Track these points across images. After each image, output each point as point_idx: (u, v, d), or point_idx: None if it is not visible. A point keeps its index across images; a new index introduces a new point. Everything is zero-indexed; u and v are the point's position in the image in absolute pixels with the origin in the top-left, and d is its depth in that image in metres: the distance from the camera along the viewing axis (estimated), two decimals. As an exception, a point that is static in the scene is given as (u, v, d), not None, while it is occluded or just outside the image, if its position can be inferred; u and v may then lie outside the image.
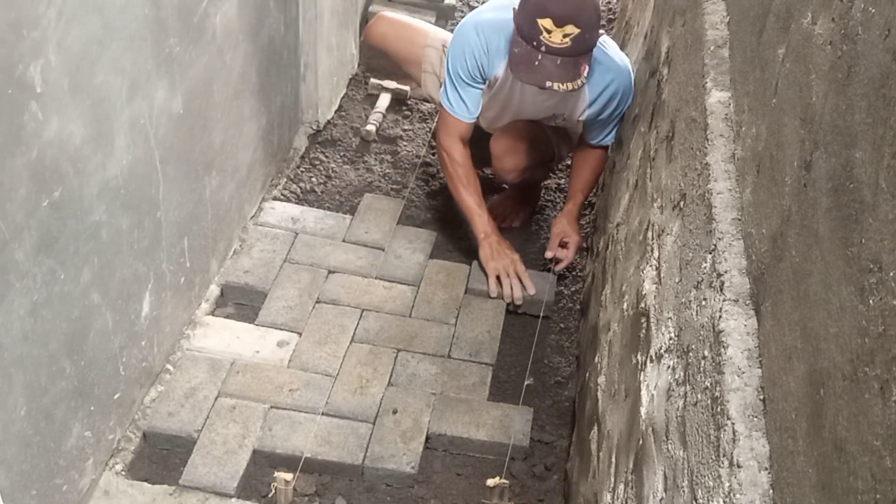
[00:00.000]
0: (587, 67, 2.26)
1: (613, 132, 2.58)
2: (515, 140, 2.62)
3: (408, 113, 3.30)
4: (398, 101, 3.31)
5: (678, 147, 1.60)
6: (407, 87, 3.29)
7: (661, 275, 1.52)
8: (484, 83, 2.50)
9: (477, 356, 2.38)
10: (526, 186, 2.92)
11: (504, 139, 2.64)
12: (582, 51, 2.24)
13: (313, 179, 2.93)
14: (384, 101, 3.27)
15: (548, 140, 2.71)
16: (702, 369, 1.11)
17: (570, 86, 2.25)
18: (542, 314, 2.53)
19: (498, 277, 2.55)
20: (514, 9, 2.29)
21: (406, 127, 3.23)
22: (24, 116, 1.43)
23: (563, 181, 3.11)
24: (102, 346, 1.84)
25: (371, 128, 3.12)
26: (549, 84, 2.24)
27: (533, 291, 2.54)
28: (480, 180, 2.66)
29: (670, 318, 1.37)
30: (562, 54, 2.21)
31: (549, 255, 2.62)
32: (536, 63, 2.23)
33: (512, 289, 2.53)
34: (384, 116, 3.22)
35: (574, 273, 2.74)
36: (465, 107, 2.51)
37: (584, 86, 2.37)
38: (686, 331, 1.24)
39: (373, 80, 3.33)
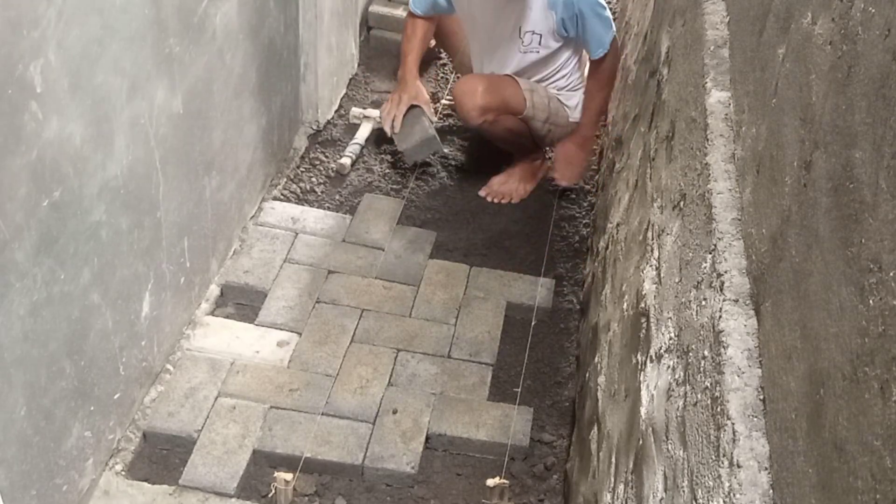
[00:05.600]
0: None
1: (593, 39, 2.75)
2: (475, 81, 2.83)
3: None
4: (380, 131, 3.04)
5: (678, 147, 1.61)
6: None
7: (661, 275, 1.52)
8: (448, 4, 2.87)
9: (477, 356, 2.38)
10: (527, 162, 2.99)
11: (463, 83, 2.87)
12: None
13: (313, 179, 2.93)
14: (364, 131, 3.09)
15: (516, 88, 2.82)
16: (702, 369, 1.11)
17: None
18: (534, 320, 2.53)
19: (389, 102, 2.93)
20: None
21: (406, 127, 3.23)
22: (24, 116, 1.43)
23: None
24: (102, 346, 1.84)
25: (346, 161, 2.95)
26: None
27: (387, 127, 2.92)
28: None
29: (670, 318, 1.37)
30: None
31: (551, 174, 2.94)
32: None
33: (388, 116, 2.92)
34: (363, 148, 3.05)
35: (589, 186, 2.94)
36: (421, 4, 2.89)
37: None
38: (686, 331, 1.24)
39: (354, 109, 3.17)
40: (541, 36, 2.75)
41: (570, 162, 2.90)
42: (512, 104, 2.80)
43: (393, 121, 2.90)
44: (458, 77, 3.30)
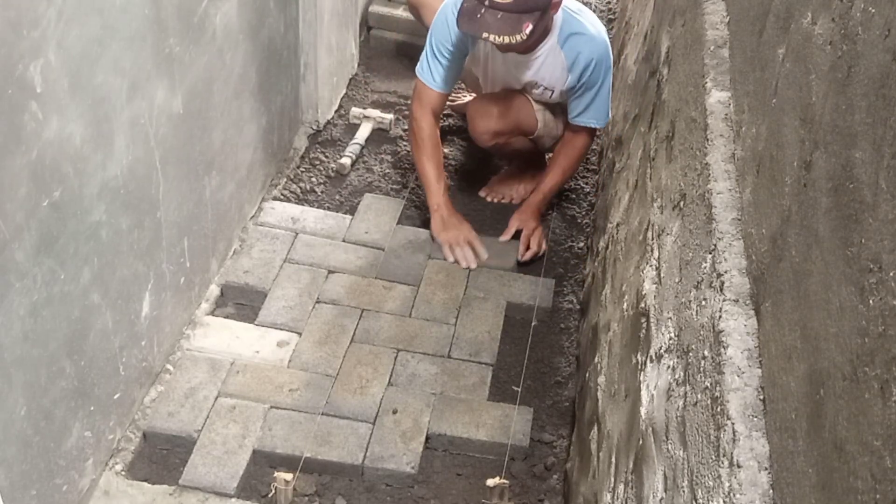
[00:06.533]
0: (531, 25, 2.37)
1: (592, 109, 2.66)
2: (489, 104, 2.76)
3: (408, 113, 3.29)
4: (380, 131, 3.14)
5: (678, 147, 1.61)
6: (390, 116, 3.17)
7: (661, 275, 1.52)
8: (463, 57, 2.67)
9: (477, 356, 2.38)
10: (527, 164, 3.00)
11: (479, 103, 2.80)
12: (525, 9, 2.36)
13: (313, 179, 2.93)
14: (364, 131, 3.09)
15: (529, 111, 2.78)
16: (702, 369, 1.11)
17: (506, 39, 2.37)
18: (534, 321, 2.53)
19: (452, 247, 2.68)
20: None
21: (406, 127, 3.23)
22: (24, 116, 1.43)
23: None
24: (102, 346, 1.84)
25: (346, 161, 2.95)
26: (485, 35, 2.38)
27: (485, 256, 2.67)
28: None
29: (670, 318, 1.37)
30: (503, 10, 2.35)
31: (502, 239, 2.74)
32: (479, 16, 2.36)
33: (465, 257, 2.66)
34: (363, 148, 3.05)
35: (544, 259, 2.76)
36: (441, 76, 2.65)
37: (560, 52, 2.57)
38: (686, 331, 1.24)
39: (354, 109, 3.16)
40: (552, 91, 2.70)
41: (534, 236, 2.74)
42: (524, 126, 2.79)
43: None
44: (461, 85, 3.29)
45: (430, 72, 2.65)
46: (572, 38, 2.57)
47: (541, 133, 2.83)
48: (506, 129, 2.74)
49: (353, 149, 3.01)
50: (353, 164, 2.99)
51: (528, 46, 2.53)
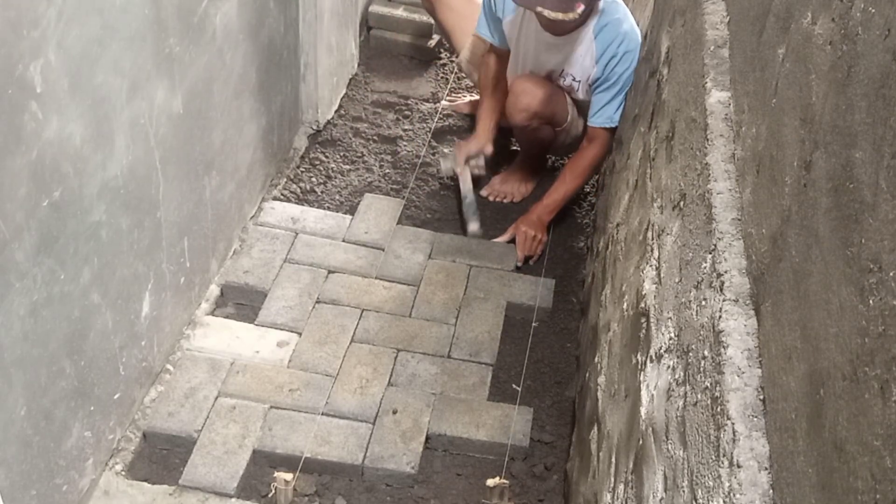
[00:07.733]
0: (582, 6, 2.45)
1: (609, 108, 2.64)
2: (536, 85, 2.76)
3: (408, 113, 3.30)
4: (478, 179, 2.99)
5: (678, 147, 1.61)
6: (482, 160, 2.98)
7: (661, 275, 1.52)
8: (500, 23, 2.79)
9: (477, 356, 2.38)
10: (528, 164, 3.01)
11: (526, 80, 2.79)
12: None
13: (313, 179, 2.93)
14: (467, 182, 2.91)
15: (565, 104, 2.80)
16: (702, 369, 1.11)
17: (559, 15, 2.44)
18: (534, 321, 2.53)
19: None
20: None
21: (406, 127, 3.23)
22: (24, 116, 1.43)
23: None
24: (102, 346, 1.84)
25: (475, 226, 2.80)
26: (539, 9, 2.44)
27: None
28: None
29: (670, 318, 1.37)
30: None
31: (497, 241, 2.77)
32: None
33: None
34: (476, 200, 2.89)
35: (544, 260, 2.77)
36: (488, 29, 2.82)
37: (593, 43, 2.59)
38: (686, 331, 1.24)
39: (444, 163, 2.98)
40: (578, 83, 2.72)
41: (532, 239, 2.74)
42: (558, 116, 2.81)
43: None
44: (461, 85, 3.31)
45: (481, 23, 2.82)
46: (607, 28, 2.59)
47: (566, 127, 2.85)
48: (544, 113, 2.76)
49: (470, 207, 2.85)
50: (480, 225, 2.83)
51: (568, 28, 2.58)
